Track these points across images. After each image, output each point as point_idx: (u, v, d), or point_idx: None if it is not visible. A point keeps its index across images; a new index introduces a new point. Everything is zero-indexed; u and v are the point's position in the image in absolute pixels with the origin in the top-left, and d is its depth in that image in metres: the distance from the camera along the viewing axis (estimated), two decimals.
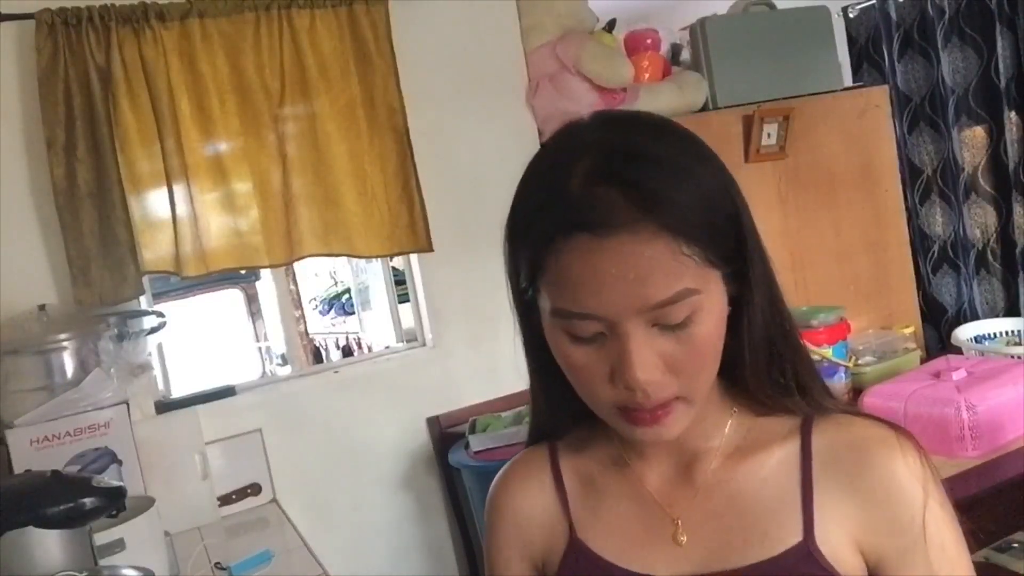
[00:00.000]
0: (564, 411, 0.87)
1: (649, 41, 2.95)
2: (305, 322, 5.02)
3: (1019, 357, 2.52)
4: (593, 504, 0.85)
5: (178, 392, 2.62)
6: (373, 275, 4.24)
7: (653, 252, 0.68)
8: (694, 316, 0.70)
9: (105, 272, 2.27)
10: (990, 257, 3.12)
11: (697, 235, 0.69)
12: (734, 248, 0.73)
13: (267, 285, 4.99)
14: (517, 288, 0.78)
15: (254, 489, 2.51)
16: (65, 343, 2.16)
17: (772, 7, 3.04)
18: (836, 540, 0.76)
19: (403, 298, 3.02)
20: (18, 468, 2.03)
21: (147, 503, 1.95)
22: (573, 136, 0.75)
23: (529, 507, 0.88)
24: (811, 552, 0.75)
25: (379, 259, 2.91)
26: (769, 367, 0.80)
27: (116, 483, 1.58)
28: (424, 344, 2.81)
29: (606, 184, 0.68)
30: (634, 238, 0.67)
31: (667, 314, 0.69)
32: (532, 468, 0.89)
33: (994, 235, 3.10)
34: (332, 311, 5.05)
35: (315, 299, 5.14)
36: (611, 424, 0.77)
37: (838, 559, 0.75)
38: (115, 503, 1.52)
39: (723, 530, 0.79)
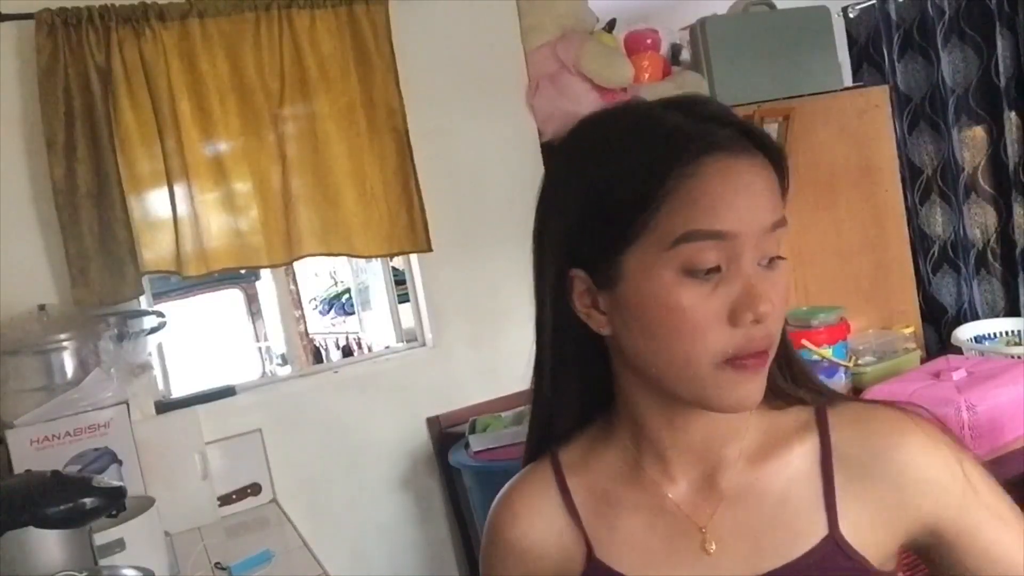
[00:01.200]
0: (574, 408, 0.84)
1: (649, 41, 2.95)
2: (305, 322, 5.01)
3: (1019, 357, 2.52)
4: (609, 519, 0.81)
5: (178, 392, 2.62)
6: (373, 275, 4.24)
7: (769, 176, 0.74)
8: (779, 254, 0.74)
9: (105, 272, 2.27)
10: (990, 257, 3.12)
11: (781, 177, 0.76)
12: None
13: (267, 285, 4.98)
14: (561, 268, 0.77)
15: (254, 489, 2.51)
16: (65, 343, 2.16)
17: (772, 7, 3.04)
18: (862, 528, 0.76)
19: (403, 298, 3.01)
20: (18, 468, 2.03)
21: (147, 503, 1.95)
22: (635, 106, 0.78)
23: (537, 535, 0.83)
24: (838, 544, 0.75)
25: (379, 259, 2.91)
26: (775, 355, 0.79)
27: (116, 483, 1.59)
28: (424, 344, 2.81)
29: (711, 122, 0.73)
30: (755, 161, 0.73)
31: (770, 242, 0.73)
32: (536, 492, 0.84)
33: (994, 235, 3.09)
34: (332, 311, 5.05)
35: (315, 299, 5.13)
36: (703, 389, 0.73)
37: (866, 546, 0.76)
38: (115, 503, 1.52)
39: (753, 534, 0.78)
